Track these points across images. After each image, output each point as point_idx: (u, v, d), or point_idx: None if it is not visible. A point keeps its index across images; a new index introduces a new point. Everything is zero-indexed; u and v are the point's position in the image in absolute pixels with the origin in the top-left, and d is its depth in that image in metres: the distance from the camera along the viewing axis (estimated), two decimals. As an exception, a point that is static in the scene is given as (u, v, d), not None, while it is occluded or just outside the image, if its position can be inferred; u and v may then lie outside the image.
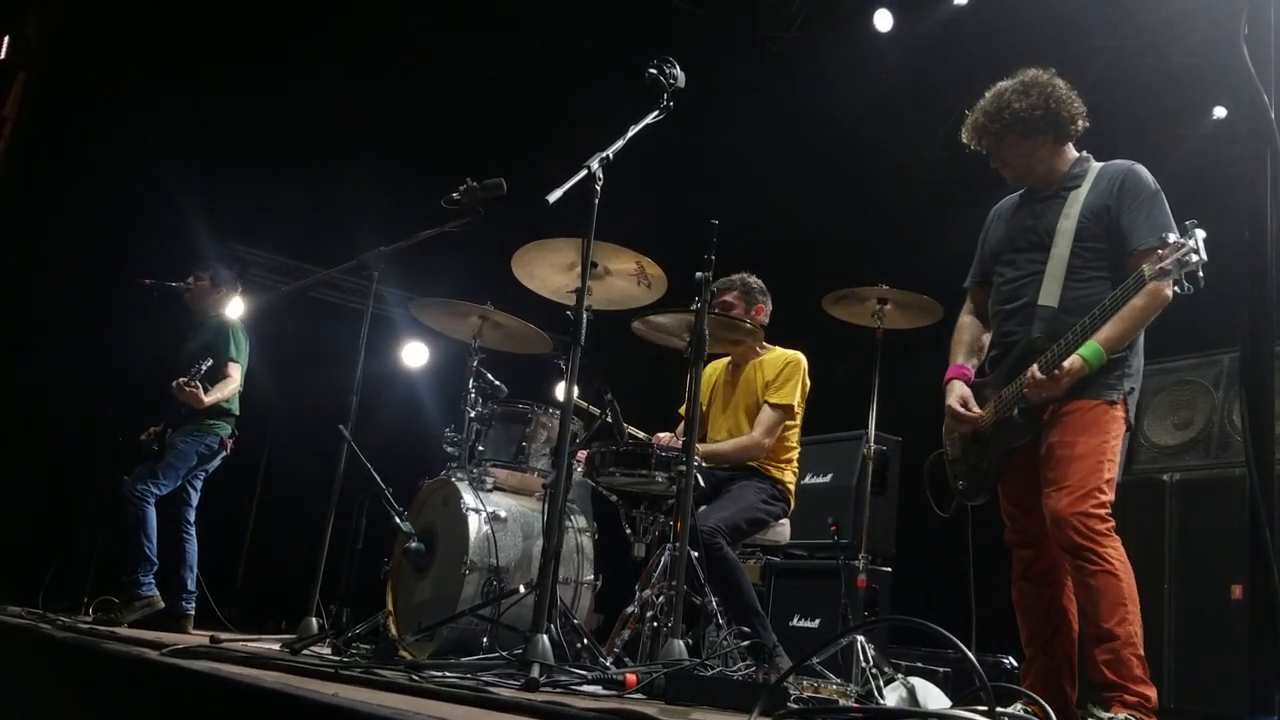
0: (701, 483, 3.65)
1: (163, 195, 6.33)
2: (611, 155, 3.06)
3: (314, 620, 3.90)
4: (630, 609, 3.71)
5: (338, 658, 3.27)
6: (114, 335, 6.20)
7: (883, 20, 7.42)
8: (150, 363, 5.68)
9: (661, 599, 3.38)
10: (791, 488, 4.25)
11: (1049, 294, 3.02)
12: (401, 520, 4.08)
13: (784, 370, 4.23)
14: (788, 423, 4.23)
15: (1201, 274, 2.67)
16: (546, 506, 3.80)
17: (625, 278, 3.79)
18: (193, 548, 5.20)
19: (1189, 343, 4.86)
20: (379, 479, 4.05)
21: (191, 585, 5.10)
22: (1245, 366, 1.88)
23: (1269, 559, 1.76)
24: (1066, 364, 2.83)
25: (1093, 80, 6.87)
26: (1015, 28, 6.63)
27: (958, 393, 3.17)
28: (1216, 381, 4.73)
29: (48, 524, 6.10)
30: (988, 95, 3.19)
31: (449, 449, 4.27)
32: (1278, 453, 1.81)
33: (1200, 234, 2.68)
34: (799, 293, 4.67)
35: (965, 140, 3.24)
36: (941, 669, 4.34)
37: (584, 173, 2.97)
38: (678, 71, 3.29)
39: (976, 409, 3.12)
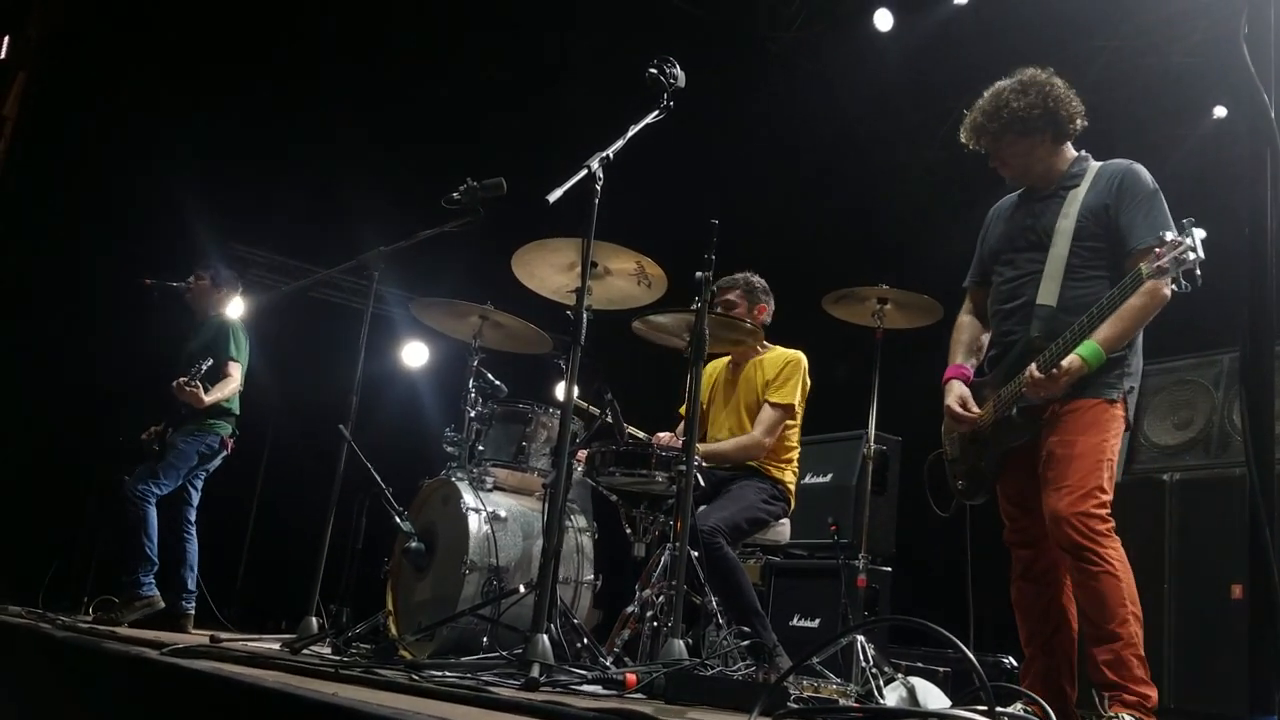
0: (701, 482, 3.65)
1: (163, 195, 6.33)
2: (611, 155, 3.06)
3: (314, 620, 3.90)
4: (630, 609, 3.71)
5: (338, 657, 3.27)
6: (114, 335, 6.21)
7: (883, 20, 7.42)
8: (151, 362, 5.68)
9: (661, 599, 3.38)
10: (792, 487, 4.25)
11: (1047, 293, 3.01)
12: (401, 520, 4.08)
13: (784, 369, 4.23)
14: (788, 422, 4.23)
15: (1199, 272, 2.67)
16: (546, 506, 3.80)
17: (625, 277, 3.79)
18: (193, 547, 5.20)
19: (1189, 342, 4.86)
20: (379, 479, 4.05)
21: (192, 585, 5.10)
22: (1245, 366, 1.88)
23: (1269, 559, 1.76)
24: (1065, 363, 2.83)
25: (1093, 80, 6.87)
26: (1015, 28, 6.63)
27: (956, 392, 3.17)
28: (1216, 381, 4.72)
29: (48, 524, 6.11)
30: (986, 95, 3.19)
31: (449, 449, 4.27)
32: (1278, 452, 1.81)
33: (1198, 232, 2.68)
34: (799, 292, 4.67)
35: (963, 140, 3.24)
36: (941, 669, 4.34)
37: (584, 172, 2.97)
38: (678, 71, 3.29)
39: (975, 409, 3.12)
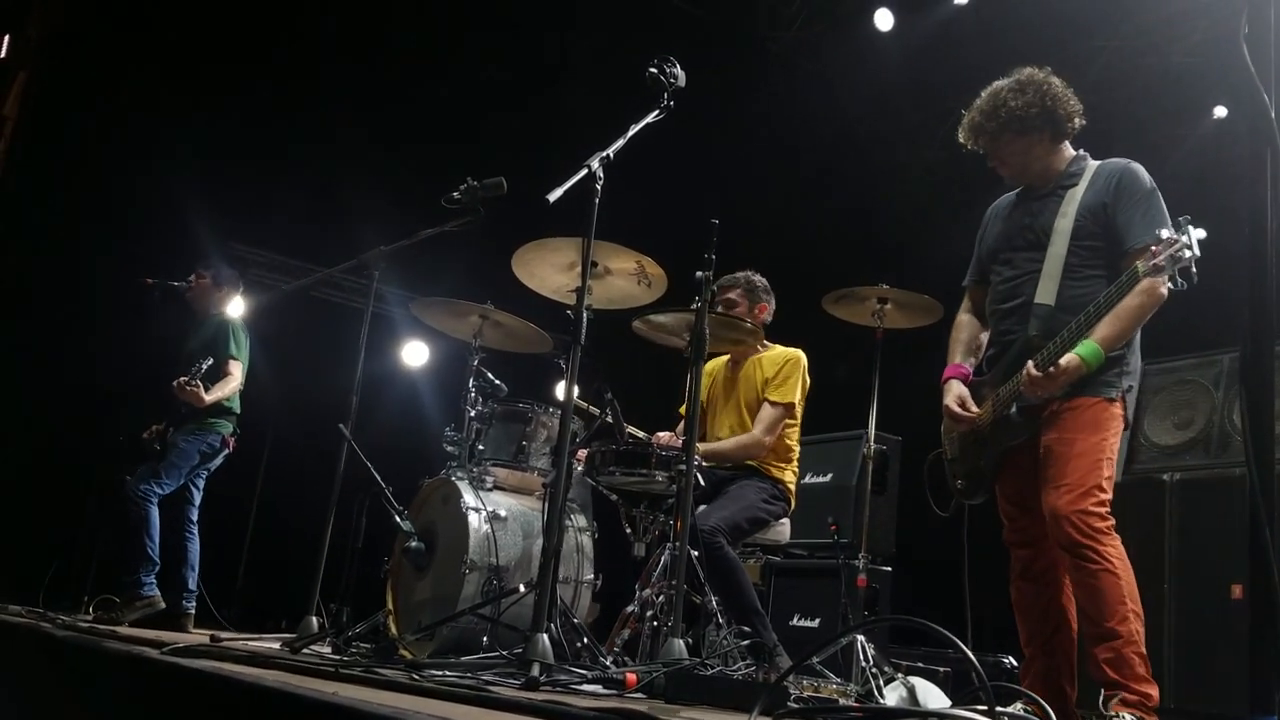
0: (701, 482, 3.65)
1: (163, 195, 6.33)
2: (612, 154, 3.06)
3: (314, 619, 3.90)
4: (630, 608, 3.71)
5: (338, 657, 3.27)
6: (114, 335, 6.21)
7: (883, 20, 7.42)
8: (151, 362, 5.68)
9: (661, 598, 3.38)
10: (792, 487, 4.25)
11: (1046, 292, 3.01)
12: (401, 519, 4.08)
13: (784, 368, 4.23)
14: (788, 421, 4.23)
15: (1195, 270, 2.67)
16: (546, 506, 3.80)
17: (625, 277, 3.79)
18: (195, 547, 5.20)
19: (1189, 342, 4.86)
20: (379, 478, 4.05)
21: (193, 585, 5.10)
22: (1245, 366, 1.88)
23: (1269, 559, 1.76)
24: (1063, 362, 2.83)
25: (1092, 80, 6.88)
26: (1015, 28, 6.63)
27: (955, 392, 3.18)
28: (1216, 381, 4.72)
29: (48, 524, 6.10)
30: (983, 94, 3.19)
31: (449, 448, 4.27)
32: (1278, 452, 1.81)
33: (1193, 230, 2.68)
34: (799, 292, 4.67)
35: (962, 140, 3.24)
36: (941, 669, 4.34)
37: (584, 172, 2.97)
38: (678, 71, 3.29)
39: (974, 408, 3.13)
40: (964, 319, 3.39)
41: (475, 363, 4.32)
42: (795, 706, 2.31)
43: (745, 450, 4.17)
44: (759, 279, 4.39)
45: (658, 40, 4.98)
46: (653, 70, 3.27)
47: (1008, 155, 3.17)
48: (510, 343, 4.54)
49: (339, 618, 3.83)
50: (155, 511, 4.97)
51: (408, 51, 6.94)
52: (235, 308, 5.47)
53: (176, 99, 6.34)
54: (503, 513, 4.02)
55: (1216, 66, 6.78)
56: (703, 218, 3.31)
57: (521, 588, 3.59)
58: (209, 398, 5.04)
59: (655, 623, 3.42)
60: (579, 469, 3.90)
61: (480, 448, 4.23)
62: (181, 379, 4.95)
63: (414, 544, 4.08)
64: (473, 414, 4.26)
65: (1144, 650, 2.77)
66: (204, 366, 4.98)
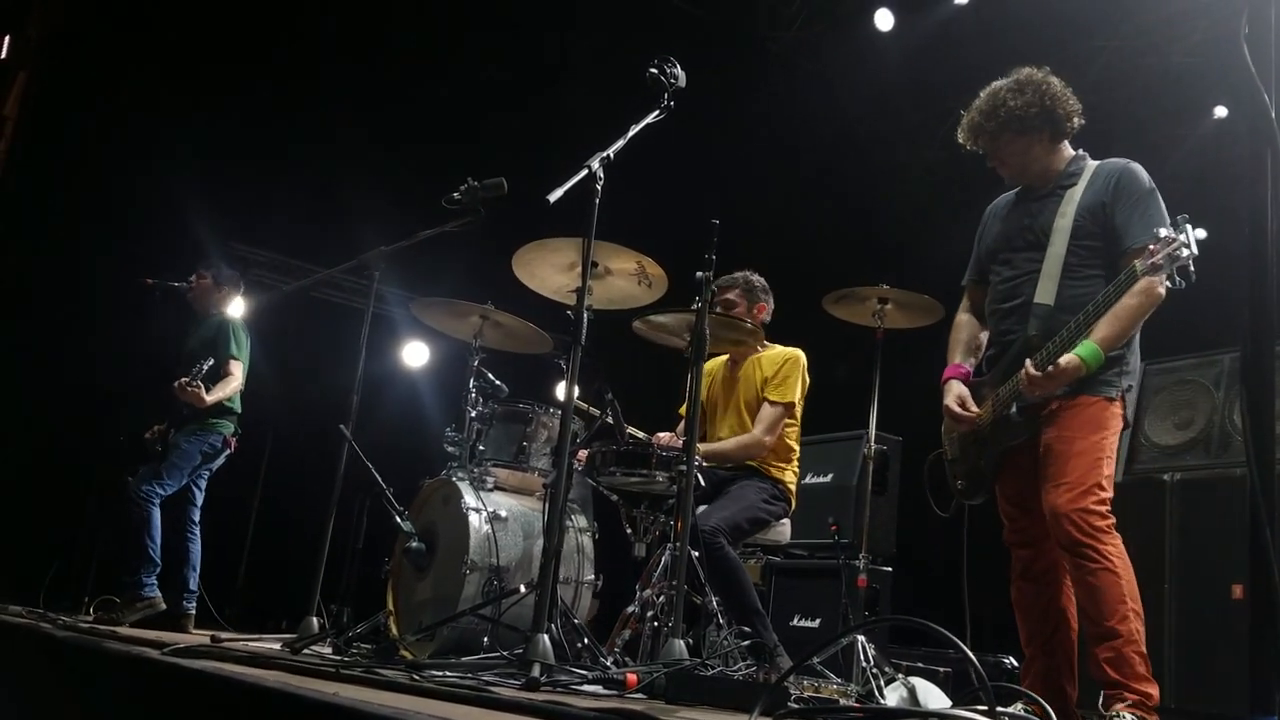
0: (702, 482, 3.64)
1: (163, 195, 6.33)
2: (612, 155, 3.06)
3: (315, 620, 3.91)
4: (631, 609, 3.71)
5: (338, 657, 3.27)
6: (114, 335, 6.21)
7: (883, 20, 7.42)
8: (151, 362, 5.69)
9: (662, 599, 3.38)
10: (792, 487, 4.25)
11: (1045, 292, 3.01)
12: (402, 520, 4.08)
13: (783, 367, 4.23)
14: (788, 421, 4.23)
15: (1193, 268, 2.67)
16: (547, 506, 3.80)
17: (626, 277, 3.79)
18: (196, 547, 5.20)
19: (1189, 342, 4.86)
20: (380, 478, 4.05)
21: (194, 585, 5.10)
22: (1246, 366, 1.88)
23: (1269, 559, 1.76)
24: (1062, 361, 2.83)
25: (1092, 80, 6.88)
26: (1015, 28, 6.64)
27: (955, 392, 3.18)
28: (1217, 381, 4.72)
29: (48, 524, 6.10)
30: (982, 95, 3.19)
31: (449, 448, 4.27)
32: (1278, 452, 1.81)
33: (1191, 228, 2.69)
34: (799, 292, 4.67)
35: (961, 140, 3.24)
36: (942, 669, 4.34)
37: (584, 172, 2.97)
38: (678, 71, 3.29)
39: (974, 408, 3.13)
40: (963, 319, 3.39)
41: (476, 363, 4.32)
42: (796, 707, 2.31)
43: (746, 450, 4.17)
44: (757, 279, 4.38)
45: (658, 40, 4.98)
46: (653, 70, 3.27)
47: (1007, 155, 3.17)
48: (511, 343, 4.54)
49: (339, 618, 3.84)
50: (157, 512, 4.97)
51: (408, 51, 6.94)
52: (236, 308, 5.47)
53: (176, 99, 6.34)
54: (503, 513, 4.02)
55: (1216, 66, 6.78)
56: (703, 218, 3.31)
57: (522, 588, 3.59)
58: (210, 398, 5.04)
59: (656, 623, 3.42)
60: (579, 469, 3.90)
61: (481, 448, 4.23)
62: (182, 380, 4.95)
63: (414, 544, 4.08)
64: (473, 414, 4.26)
65: (1144, 649, 2.77)
66: (205, 367, 4.98)
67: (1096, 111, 3.21)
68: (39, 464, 6.17)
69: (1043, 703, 2.53)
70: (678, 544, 3.09)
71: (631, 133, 3.15)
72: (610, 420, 3.89)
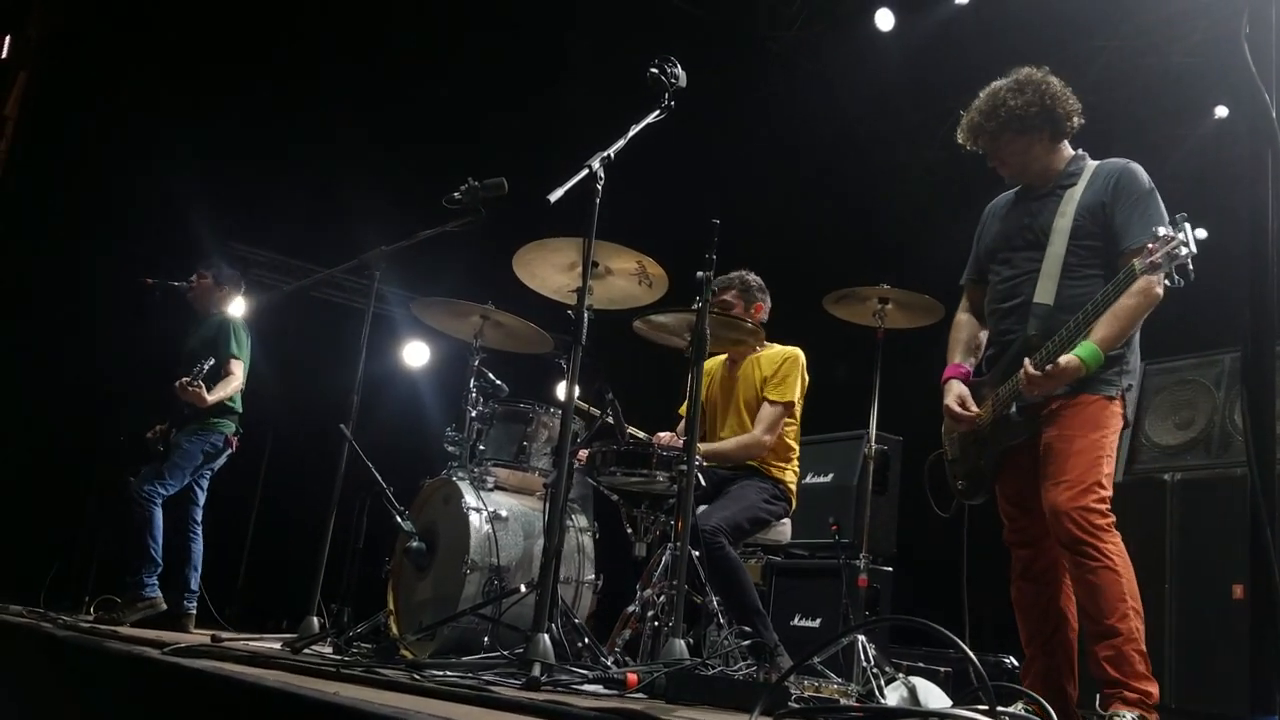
0: (703, 482, 3.64)
1: (163, 195, 6.34)
2: (612, 154, 3.05)
3: (315, 619, 3.91)
4: (631, 608, 3.71)
5: (339, 657, 3.27)
6: (114, 335, 6.21)
7: (884, 19, 7.42)
8: (152, 362, 5.69)
9: (662, 598, 3.38)
10: (793, 487, 4.25)
11: (1045, 292, 3.02)
12: (402, 519, 4.08)
13: (782, 366, 4.22)
14: (787, 420, 4.23)
15: (1192, 266, 2.68)
16: (547, 506, 3.80)
17: (626, 277, 3.79)
18: (199, 547, 5.20)
19: (1190, 342, 4.86)
20: (380, 478, 4.05)
21: (195, 585, 5.10)
22: (1246, 366, 1.88)
23: (1270, 559, 1.76)
24: (1062, 361, 2.83)
25: (1093, 80, 6.88)
26: (1015, 28, 6.64)
27: (955, 392, 3.18)
28: (1217, 381, 4.72)
29: (48, 524, 6.11)
30: (982, 95, 3.19)
31: (450, 448, 4.27)
32: (1279, 452, 1.81)
33: (1189, 226, 2.69)
34: (800, 292, 4.67)
35: (960, 141, 3.24)
36: (942, 669, 4.34)
37: (585, 172, 2.96)
38: (679, 71, 3.29)
39: (974, 408, 3.13)
40: (963, 318, 3.39)
41: (476, 363, 4.32)
42: (796, 706, 2.31)
43: (746, 450, 4.16)
44: (753, 278, 4.37)
45: (658, 40, 4.98)
46: (653, 70, 3.27)
47: (1008, 155, 3.17)
48: (511, 343, 4.54)
49: (340, 618, 3.84)
50: (159, 513, 4.98)
51: (408, 51, 6.94)
52: (236, 307, 5.47)
53: (176, 99, 6.34)
54: (504, 513, 4.02)
55: (1217, 66, 6.78)
56: (703, 218, 3.30)
57: (522, 588, 3.59)
58: (211, 398, 5.04)
59: (656, 623, 3.42)
60: (580, 469, 3.90)
61: (481, 448, 4.23)
62: (183, 380, 4.95)
63: (415, 544, 4.08)
64: (474, 414, 4.26)
65: (1144, 648, 2.77)
66: (206, 367, 4.98)
67: (1096, 111, 3.21)
68: (39, 464, 6.17)
69: (1043, 702, 2.53)
70: (678, 544, 3.09)
71: (632, 132, 3.15)
72: (611, 420, 3.89)
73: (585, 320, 2.95)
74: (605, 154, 3.03)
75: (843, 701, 3.47)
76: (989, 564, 3.46)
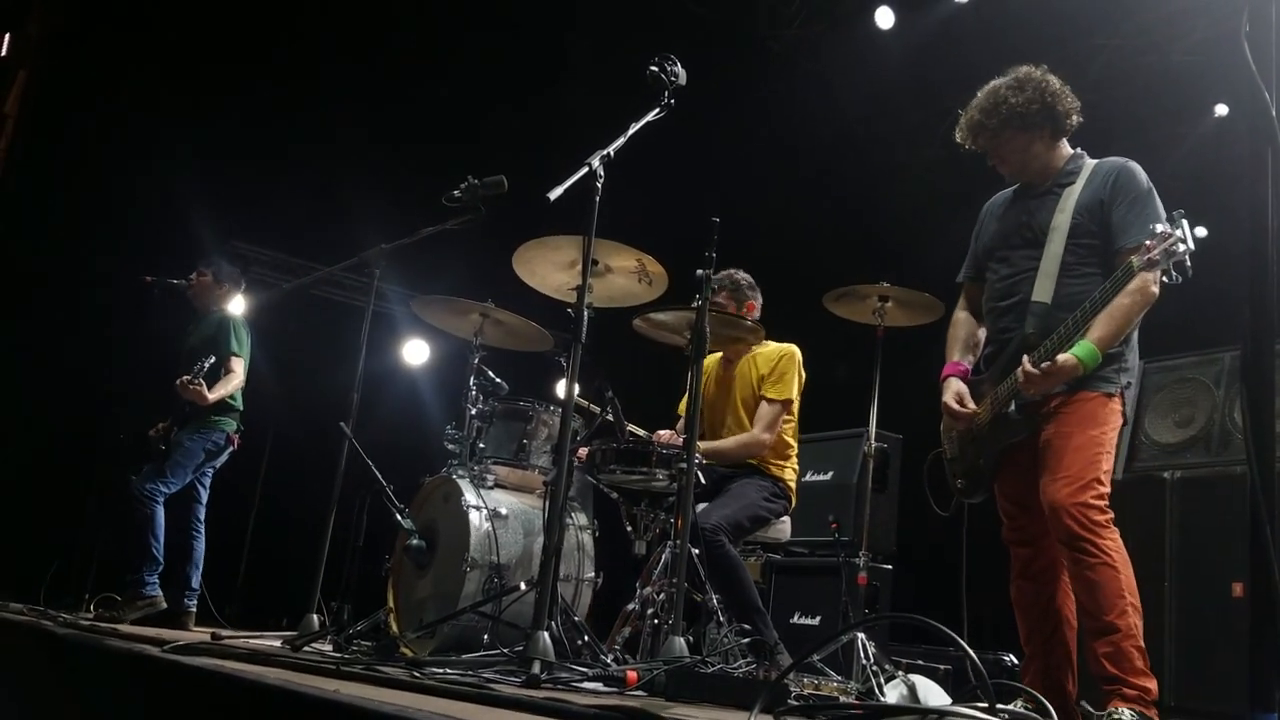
0: (702, 480, 3.65)
1: (163, 194, 6.34)
2: (612, 153, 3.05)
3: (315, 617, 3.90)
4: (631, 606, 3.71)
5: (339, 654, 3.27)
6: (114, 335, 6.21)
7: (884, 18, 7.42)
8: (152, 361, 5.69)
9: (662, 596, 3.39)
10: (792, 485, 4.25)
11: (1043, 290, 3.02)
12: (402, 517, 4.08)
13: (779, 364, 4.22)
14: (786, 417, 4.22)
15: (1190, 263, 2.68)
16: (547, 504, 3.80)
17: (626, 275, 3.79)
18: (200, 545, 5.20)
19: (1190, 341, 4.86)
20: (380, 476, 4.05)
21: (196, 583, 5.10)
22: (1246, 364, 1.88)
23: (1269, 557, 1.76)
24: (1060, 359, 2.83)
25: (1093, 79, 6.89)
26: (1015, 27, 6.64)
27: (953, 390, 3.18)
28: (1217, 379, 4.72)
29: (48, 522, 6.11)
30: (981, 93, 3.19)
31: (450, 446, 4.27)
32: (1278, 450, 1.81)
33: (1187, 223, 2.69)
34: (800, 291, 4.67)
35: (960, 139, 3.24)
36: (942, 666, 4.34)
37: (585, 170, 2.97)
38: (679, 69, 3.29)
39: (972, 405, 3.13)
40: (961, 316, 3.39)
41: (476, 361, 4.32)
42: (796, 704, 2.31)
43: (746, 449, 4.17)
44: (742, 276, 4.34)
45: (658, 39, 4.96)
46: (653, 68, 3.26)
47: (1008, 153, 3.17)
48: (511, 341, 4.55)
49: (340, 615, 3.84)
50: (160, 511, 4.98)
51: (408, 51, 6.94)
52: (236, 305, 5.47)
53: (176, 99, 6.34)
54: (504, 511, 4.03)
55: (1217, 65, 6.78)
56: (703, 216, 3.31)
57: (522, 585, 3.60)
58: (212, 396, 5.04)
59: (656, 620, 3.42)
60: (579, 466, 3.90)
61: (481, 446, 4.23)
62: (184, 378, 4.95)
63: (415, 542, 4.08)
64: (474, 412, 4.26)
65: (1143, 644, 2.77)
66: (206, 365, 4.98)
67: (1096, 110, 3.22)
68: (39, 463, 6.17)
69: (1043, 700, 2.53)
70: (678, 541, 3.09)
71: (632, 131, 3.15)
72: (610, 418, 3.89)
73: (585, 318, 2.95)
74: (605, 152, 3.03)
75: (842, 699, 3.47)
76: (988, 562, 3.46)
